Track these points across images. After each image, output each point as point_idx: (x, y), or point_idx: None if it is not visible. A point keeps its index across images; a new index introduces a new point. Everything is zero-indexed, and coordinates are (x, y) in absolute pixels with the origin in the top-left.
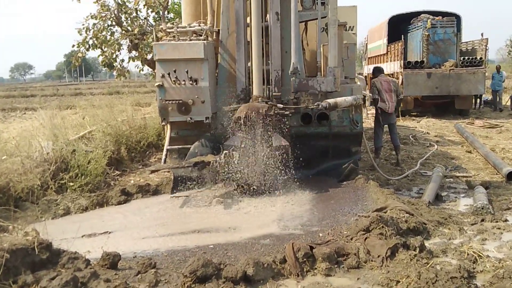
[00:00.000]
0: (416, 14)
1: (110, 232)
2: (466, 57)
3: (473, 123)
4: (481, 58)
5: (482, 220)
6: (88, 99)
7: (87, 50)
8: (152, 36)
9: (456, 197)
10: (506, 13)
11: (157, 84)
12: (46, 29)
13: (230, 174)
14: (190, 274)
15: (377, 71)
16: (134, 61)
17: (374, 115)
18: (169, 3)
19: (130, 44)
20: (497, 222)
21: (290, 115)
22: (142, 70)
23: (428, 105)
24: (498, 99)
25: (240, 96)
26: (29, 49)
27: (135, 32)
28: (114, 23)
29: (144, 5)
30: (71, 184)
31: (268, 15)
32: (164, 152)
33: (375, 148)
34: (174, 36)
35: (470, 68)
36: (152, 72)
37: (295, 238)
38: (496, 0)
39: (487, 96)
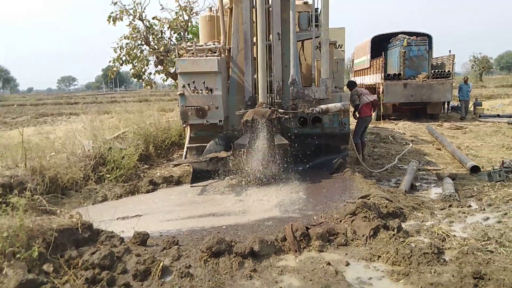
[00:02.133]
0: (395, 34)
1: (140, 215)
2: (436, 70)
3: (442, 125)
4: (449, 71)
5: (450, 206)
6: (122, 105)
7: (121, 65)
8: (174, 53)
9: (428, 186)
10: (470, 33)
11: (179, 93)
12: (88, 47)
13: (240, 168)
14: (206, 250)
15: (353, 85)
16: (159, 74)
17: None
18: (189, 26)
19: (156, 60)
20: (462, 207)
21: (290, 118)
22: (166, 81)
23: (404, 110)
24: (464, 108)
25: (248, 103)
26: (73, 64)
27: (161, 50)
28: (143, 42)
29: (168, 28)
30: (108, 176)
31: (271, 35)
32: (185, 149)
33: (355, 144)
34: (193, 53)
35: (439, 79)
36: (174, 83)
37: (294, 220)
38: (463, 22)
39: (454, 103)
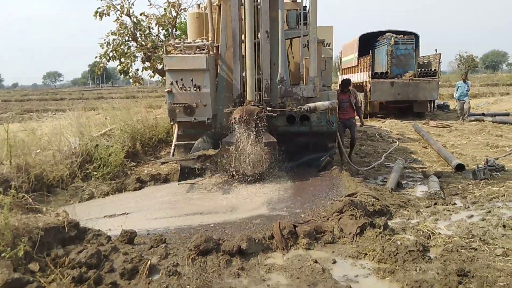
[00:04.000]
0: (382, 33)
1: (127, 213)
2: (423, 69)
3: (428, 124)
4: (435, 69)
5: (435, 204)
6: (109, 102)
7: (108, 61)
8: (162, 49)
9: (413, 184)
10: (456, 31)
11: (166, 90)
12: (74, 43)
13: (228, 165)
14: (194, 248)
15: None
16: (147, 70)
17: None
18: (177, 22)
19: (144, 56)
20: (447, 205)
21: (278, 116)
22: (153, 77)
23: (391, 108)
24: (462, 109)
25: (236, 101)
26: (59, 59)
27: (148, 46)
28: (130, 38)
29: (156, 24)
30: (95, 173)
31: (259, 33)
32: (173, 147)
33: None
34: (181, 50)
35: (426, 78)
36: (162, 80)
37: (281, 218)
38: (449, 21)
39: (440, 101)
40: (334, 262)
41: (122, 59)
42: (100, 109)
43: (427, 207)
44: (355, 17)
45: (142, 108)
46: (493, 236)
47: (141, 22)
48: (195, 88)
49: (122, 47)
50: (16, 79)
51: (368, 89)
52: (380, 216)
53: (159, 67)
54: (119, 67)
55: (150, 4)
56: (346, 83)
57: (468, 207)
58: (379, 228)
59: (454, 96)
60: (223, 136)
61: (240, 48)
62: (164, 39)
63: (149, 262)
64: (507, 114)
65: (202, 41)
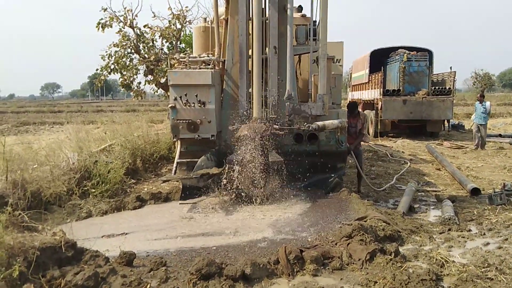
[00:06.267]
0: (394, 49)
1: (126, 234)
2: (437, 87)
3: (442, 144)
4: (449, 88)
5: (449, 230)
6: (108, 115)
7: (109, 73)
8: (166, 63)
9: (426, 208)
10: (472, 48)
11: (170, 105)
12: (74, 53)
13: (232, 185)
14: (196, 272)
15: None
16: (149, 84)
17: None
18: (182, 35)
19: (146, 69)
20: (462, 231)
21: (285, 135)
22: (157, 92)
23: (403, 127)
24: (479, 135)
25: (242, 118)
26: (58, 70)
27: (151, 59)
28: (133, 51)
29: (159, 36)
30: (93, 190)
31: (267, 49)
32: (175, 165)
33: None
34: (186, 65)
35: (440, 96)
36: (164, 94)
37: (287, 242)
38: (464, 37)
39: (455, 121)
40: None
41: (124, 72)
42: (100, 122)
43: (440, 233)
44: (366, 32)
45: (143, 123)
46: (510, 265)
47: (145, 34)
48: (199, 104)
49: (124, 59)
50: (13, 90)
51: (379, 107)
52: (391, 241)
53: (162, 80)
54: (120, 79)
55: (154, 16)
56: (352, 106)
57: (484, 234)
58: (390, 255)
59: (472, 118)
60: (228, 154)
61: (247, 63)
62: (168, 52)
63: (148, 286)
64: None
65: (208, 56)
